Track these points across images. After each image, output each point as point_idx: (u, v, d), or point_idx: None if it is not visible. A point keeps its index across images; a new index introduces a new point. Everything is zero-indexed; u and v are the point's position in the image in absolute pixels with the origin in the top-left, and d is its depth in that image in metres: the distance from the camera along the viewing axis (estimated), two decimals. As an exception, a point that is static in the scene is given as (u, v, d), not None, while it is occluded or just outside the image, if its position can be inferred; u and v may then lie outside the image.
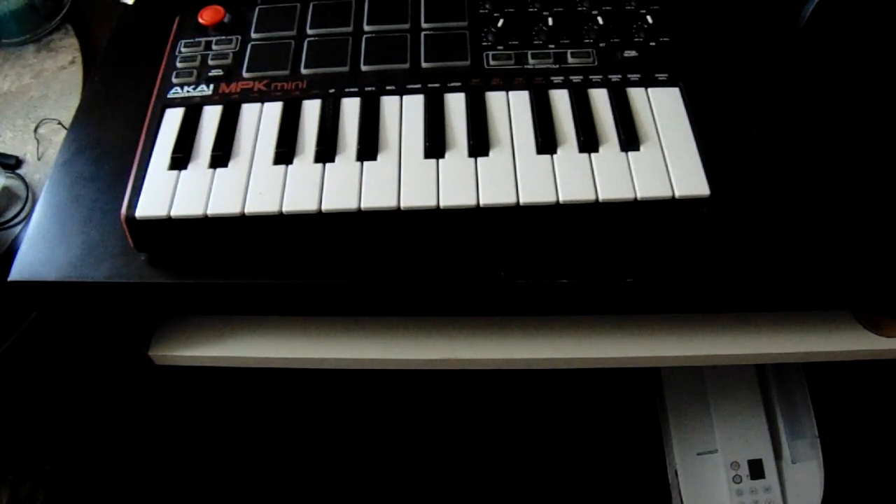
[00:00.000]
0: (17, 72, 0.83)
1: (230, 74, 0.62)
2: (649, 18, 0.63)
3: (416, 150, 0.56)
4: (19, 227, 0.70)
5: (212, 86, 0.61)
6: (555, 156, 0.56)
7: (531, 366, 0.71)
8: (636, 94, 0.59)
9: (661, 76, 0.60)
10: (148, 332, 0.73)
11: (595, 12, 0.64)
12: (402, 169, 0.55)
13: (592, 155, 0.56)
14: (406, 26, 0.64)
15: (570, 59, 0.61)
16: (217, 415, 1.12)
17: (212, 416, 1.12)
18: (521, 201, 0.53)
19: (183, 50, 0.64)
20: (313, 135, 0.58)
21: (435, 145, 0.56)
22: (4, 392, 0.79)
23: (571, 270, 0.56)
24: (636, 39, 0.62)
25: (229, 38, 0.64)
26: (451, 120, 0.58)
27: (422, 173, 0.55)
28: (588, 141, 0.56)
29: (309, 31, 0.64)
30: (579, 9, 0.64)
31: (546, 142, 0.56)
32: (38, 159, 0.76)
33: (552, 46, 0.62)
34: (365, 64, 0.62)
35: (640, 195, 0.53)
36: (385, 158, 0.56)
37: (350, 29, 0.64)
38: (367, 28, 0.64)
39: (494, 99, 0.59)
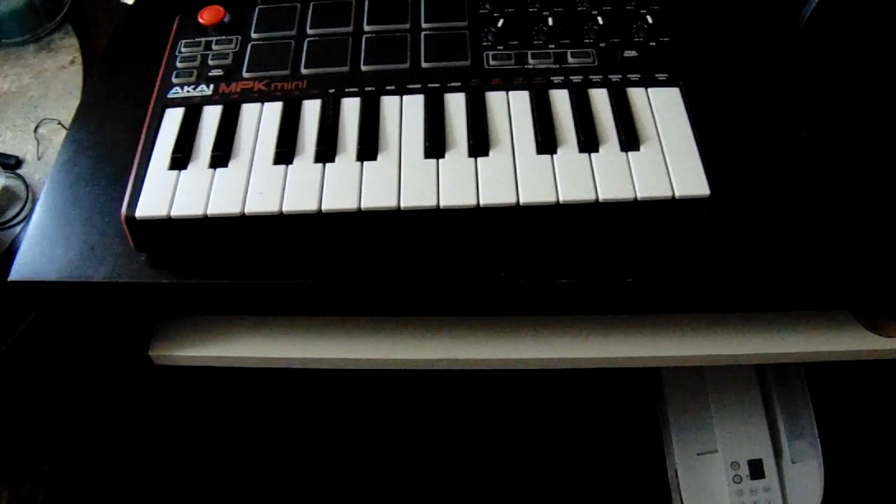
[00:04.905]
0: (17, 72, 0.83)
1: (230, 74, 0.62)
2: (649, 18, 0.63)
3: (416, 150, 0.56)
4: (19, 227, 0.70)
5: (212, 86, 0.61)
6: (555, 156, 0.56)
7: (531, 366, 0.71)
8: (636, 94, 0.59)
9: (661, 76, 0.60)
10: (148, 332, 0.73)
11: (595, 12, 0.64)
12: (402, 169, 0.55)
13: (592, 155, 0.56)
14: (406, 26, 0.64)
15: (570, 59, 0.61)
16: (217, 415, 1.12)
17: (212, 416, 1.12)
18: (521, 201, 0.53)
19: (183, 50, 0.64)
20: (313, 135, 0.58)
21: (435, 145, 0.56)
22: (4, 392, 0.79)
23: (571, 270, 0.56)
24: (636, 39, 0.62)
25: (229, 38, 0.64)
26: (451, 120, 0.58)
27: (422, 173, 0.55)
28: (588, 141, 0.56)
29: (309, 31, 0.64)
30: (579, 9, 0.64)
31: (546, 142, 0.56)
32: (38, 159, 0.76)
33: (552, 46, 0.62)
34: (365, 64, 0.62)
35: (640, 195, 0.53)
36: (385, 158, 0.56)
37: (350, 29, 0.64)
38: (367, 28, 0.64)
39: (494, 99, 0.59)
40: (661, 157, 0.55)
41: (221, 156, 0.56)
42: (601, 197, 0.53)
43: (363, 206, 0.53)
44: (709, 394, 0.97)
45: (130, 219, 0.54)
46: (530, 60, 0.61)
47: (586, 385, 1.15)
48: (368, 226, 0.55)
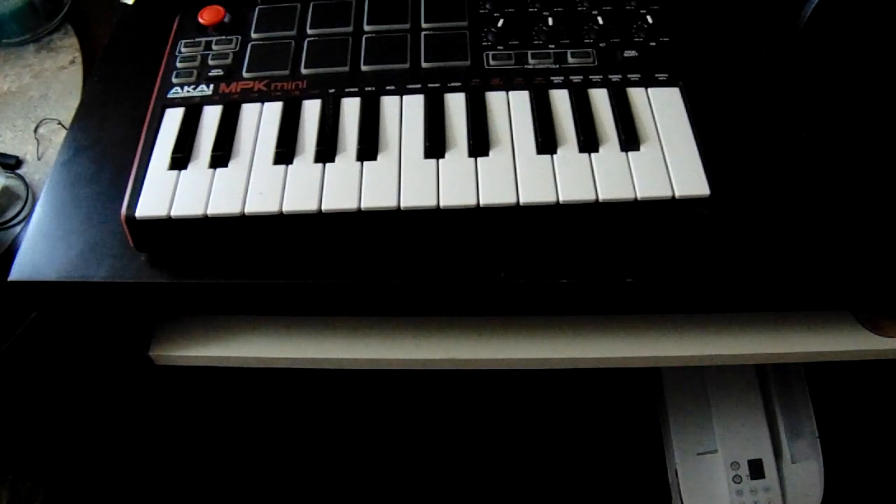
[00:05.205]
0: (17, 72, 0.83)
1: (230, 74, 0.62)
2: (649, 18, 0.63)
3: (416, 150, 0.56)
4: (19, 227, 0.70)
5: (212, 86, 0.61)
6: (555, 156, 0.56)
7: (531, 366, 0.71)
8: (636, 94, 0.59)
9: (661, 76, 0.60)
10: (148, 332, 0.73)
11: (595, 12, 0.64)
12: (402, 169, 0.55)
13: (592, 155, 0.56)
14: (406, 26, 0.64)
15: (570, 59, 0.61)
16: (217, 415, 1.12)
17: (212, 416, 1.12)
18: (522, 201, 0.53)
19: (183, 50, 0.64)
20: (313, 135, 0.58)
21: (435, 145, 0.56)
22: (4, 392, 0.79)
23: (571, 270, 0.56)
24: (636, 39, 0.62)
25: (229, 38, 0.64)
26: (451, 120, 0.58)
27: (422, 173, 0.55)
28: (588, 141, 0.56)
29: (309, 31, 0.64)
30: (579, 9, 0.64)
31: (546, 142, 0.56)
32: (38, 159, 0.76)
33: (552, 46, 0.62)
34: (365, 64, 0.62)
35: (640, 195, 0.53)
36: (385, 158, 0.56)
37: (350, 29, 0.64)
38: (367, 28, 0.64)
39: (494, 99, 0.59)
40: (661, 157, 0.55)
41: (221, 156, 0.56)
42: (601, 197, 0.53)
43: (363, 206, 0.53)
44: (709, 394, 0.97)
45: (130, 219, 0.54)
46: (530, 60, 0.61)
47: (586, 385, 1.15)
48: (368, 226, 0.55)
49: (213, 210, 0.53)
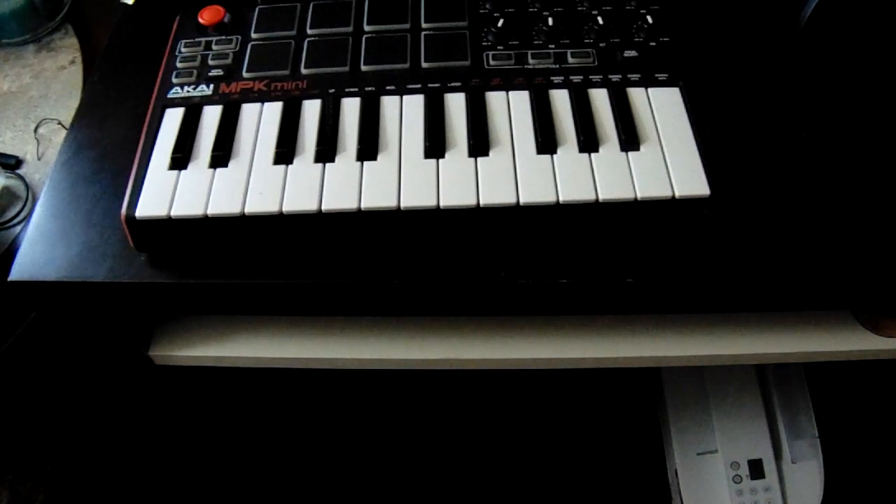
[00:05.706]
0: (17, 72, 0.83)
1: (230, 74, 0.62)
2: (649, 18, 0.63)
3: (416, 150, 0.56)
4: (19, 227, 0.70)
5: (212, 86, 0.61)
6: (555, 156, 0.56)
7: (531, 366, 0.71)
8: (636, 94, 0.59)
9: (661, 76, 0.60)
10: (148, 332, 0.73)
11: (595, 12, 0.64)
12: (402, 169, 0.55)
13: (592, 155, 0.56)
14: (406, 26, 0.64)
15: (570, 59, 0.61)
16: (217, 415, 1.12)
17: (212, 416, 1.12)
18: (522, 201, 0.53)
19: (183, 50, 0.64)
20: (313, 135, 0.58)
21: (435, 145, 0.56)
22: (4, 392, 0.79)
23: (571, 270, 0.56)
24: (636, 39, 0.62)
25: (229, 38, 0.64)
26: (451, 120, 0.58)
27: (422, 173, 0.55)
28: (588, 141, 0.56)
29: (309, 31, 0.64)
30: (579, 9, 0.64)
31: (546, 142, 0.56)
32: (38, 159, 0.76)
33: (552, 46, 0.62)
34: (365, 64, 0.62)
35: (640, 195, 0.53)
36: (385, 158, 0.56)
37: (350, 29, 0.64)
38: (367, 28, 0.64)
39: (494, 99, 0.59)
40: (661, 157, 0.55)
41: (221, 156, 0.56)
42: (601, 197, 0.53)
43: (363, 206, 0.53)
44: (709, 394, 0.97)
45: (130, 219, 0.54)
46: (530, 60, 0.61)
47: (586, 385, 1.15)
48: (368, 226, 0.55)
49: (213, 210, 0.53)
